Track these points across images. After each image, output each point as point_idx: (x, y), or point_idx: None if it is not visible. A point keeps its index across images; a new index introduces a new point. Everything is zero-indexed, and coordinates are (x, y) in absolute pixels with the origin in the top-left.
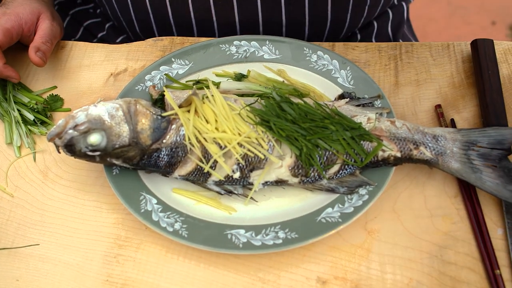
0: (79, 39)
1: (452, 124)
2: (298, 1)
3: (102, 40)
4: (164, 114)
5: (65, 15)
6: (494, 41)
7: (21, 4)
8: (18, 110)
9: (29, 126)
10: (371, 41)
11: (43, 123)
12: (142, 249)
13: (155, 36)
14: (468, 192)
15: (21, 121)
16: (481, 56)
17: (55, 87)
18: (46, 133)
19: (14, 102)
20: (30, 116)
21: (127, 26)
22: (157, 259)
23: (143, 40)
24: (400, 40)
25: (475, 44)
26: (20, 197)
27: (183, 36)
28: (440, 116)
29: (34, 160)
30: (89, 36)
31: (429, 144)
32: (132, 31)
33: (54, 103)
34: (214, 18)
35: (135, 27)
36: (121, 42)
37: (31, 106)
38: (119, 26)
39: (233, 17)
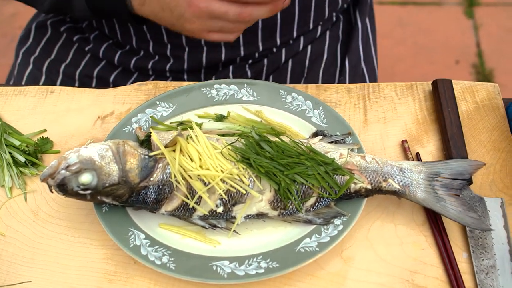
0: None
1: (418, 157)
2: None
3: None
4: (152, 153)
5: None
6: (452, 80)
7: None
8: (10, 153)
9: (20, 168)
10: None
11: (33, 164)
12: (131, 283)
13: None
14: (435, 220)
15: (12, 163)
16: (441, 94)
17: (45, 130)
18: (36, 174)
19: (6, 145)
20: (21, 158)
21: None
22: None
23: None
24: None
25: (435, 84)
26: (11, 236)
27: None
28: (406, 150)
29: (25, 200)
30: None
31: (397, 177)
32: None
33: (44, 145)
34: None
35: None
36: (120, 57)
37: (22, 148)
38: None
39: None
